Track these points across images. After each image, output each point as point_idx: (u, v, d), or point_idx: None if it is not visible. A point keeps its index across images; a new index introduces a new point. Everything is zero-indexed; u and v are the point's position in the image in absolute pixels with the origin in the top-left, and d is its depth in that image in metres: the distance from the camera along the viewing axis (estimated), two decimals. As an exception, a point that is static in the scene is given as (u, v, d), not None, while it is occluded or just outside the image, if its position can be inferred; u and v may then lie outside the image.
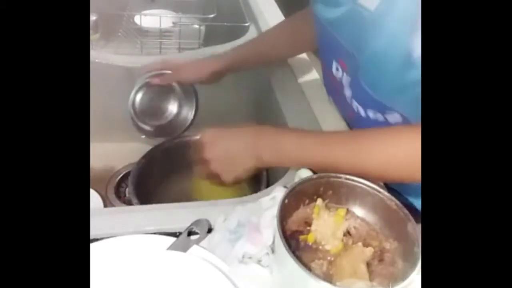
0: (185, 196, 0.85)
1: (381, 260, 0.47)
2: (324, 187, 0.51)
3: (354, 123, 0.72)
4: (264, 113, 0.94)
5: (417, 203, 0.69)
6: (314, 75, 0.91)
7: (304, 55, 0.96)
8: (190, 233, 0.53)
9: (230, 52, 0.87)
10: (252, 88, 1.01)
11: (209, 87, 0.87)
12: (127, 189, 0.94)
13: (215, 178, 0.63)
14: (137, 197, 0.77)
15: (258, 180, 0.79)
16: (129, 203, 0.91)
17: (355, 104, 0.66)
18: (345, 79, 0.66)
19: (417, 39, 0.50)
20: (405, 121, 0.60)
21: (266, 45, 0.88)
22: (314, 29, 0.73)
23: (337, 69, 0.68)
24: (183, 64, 0.87)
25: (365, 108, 0.64)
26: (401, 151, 0.51)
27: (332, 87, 0.73)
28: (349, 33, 0.61)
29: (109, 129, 0.99)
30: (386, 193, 0.50)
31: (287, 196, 0.48)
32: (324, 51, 0.73)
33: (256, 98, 0.94)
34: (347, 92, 0.67)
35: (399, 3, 0.51)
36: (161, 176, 0.89)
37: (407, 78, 0.53)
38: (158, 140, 0.91)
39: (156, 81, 0.85)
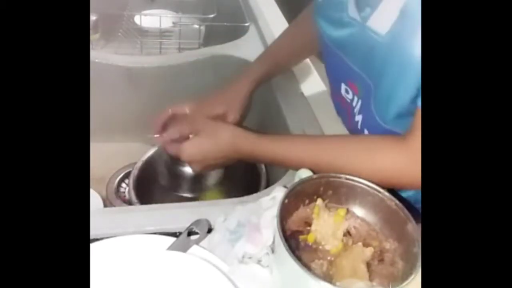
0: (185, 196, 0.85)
1: (381, 260, 0.47)
2: (324, 187, 0.51)
3: None
4: (265, 118, 0.94)
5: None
6: (316, 78, 0.91)
7: (306, 60, 0.96)
8: (190, 233, 0.53)
9: (253, 69, 0.81)
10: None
11: (209, 89, 0.86)
12: (127, 189, 0.94)
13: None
14: (137, 197, 0.77)
15: (258, 180, 0.79)
16: (129, 203, 0.91)
17: (366, 133, 0.63)
18: (356, 103, 0.64)
19: None
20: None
21: (282, 55, 0.84)
22: (319, 45, 0.71)
23: (346, 91, 0.66)
24: (200, 104, 0.77)
25: None
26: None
27: (341, 107, 0.71)
28: (358, 56, 0.59)
29: (109, 129, 0.99)
30: (386, 193, 0.50)
31: (287, 196, 0.48)
32: (332, 72, 0.70)
33: (257, 101, 0.94)
34: (358, 118, 0.64)
35: (411, 27, 0.49)
36: (161, 176, 0.89)
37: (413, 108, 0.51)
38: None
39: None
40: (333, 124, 0.75)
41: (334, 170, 0.53)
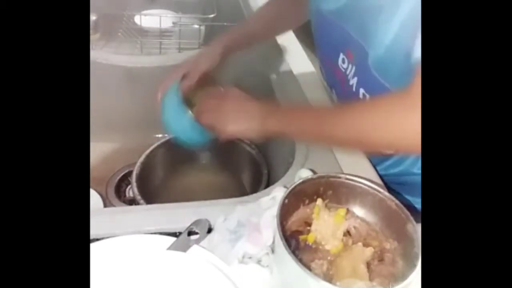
0: (188, 193, 0.85)
1: (381, 260, 0.47)
2: (324, 187, 0.51)
3: None
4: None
5: (417, 202, 0.69)
6: (311, 69, 0.91)
7: (302, 52, 0.96)
8: (190, 233, 0.53)
9: (224, 37, 0.83)
10: (251, 86, 1.01)
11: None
12: (128, 188, 0.94)
13: (215, 127, 0.65)
14: (141, 195, 0.77)
15: (258, 180, 0.79)
16: (129, 203, 0.91)
17: (361, 91, 0.66)
18: (350, 69, 0.67)
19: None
20: None
21: (257, 26, 0.85)
22: (312, 23, 0.72)
23: (343, 61, 0.68)
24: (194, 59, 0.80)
25: (371, 94, 0.64)
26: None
27: (335, 80, 0.73)
28: (357, 21, 0.62)
29: (109, 129, 0.99)
30: (386, 193, 0.50)
31: (287, 196, 0.48)
32: (329, 44, 0.72)
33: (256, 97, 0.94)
34: (353, 81, 0.67)
35: None
36: (164, 173, 0.89)
37: (411, 62, 0.53)
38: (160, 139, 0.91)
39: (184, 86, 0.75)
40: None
41: (351, 137, 0.54)
